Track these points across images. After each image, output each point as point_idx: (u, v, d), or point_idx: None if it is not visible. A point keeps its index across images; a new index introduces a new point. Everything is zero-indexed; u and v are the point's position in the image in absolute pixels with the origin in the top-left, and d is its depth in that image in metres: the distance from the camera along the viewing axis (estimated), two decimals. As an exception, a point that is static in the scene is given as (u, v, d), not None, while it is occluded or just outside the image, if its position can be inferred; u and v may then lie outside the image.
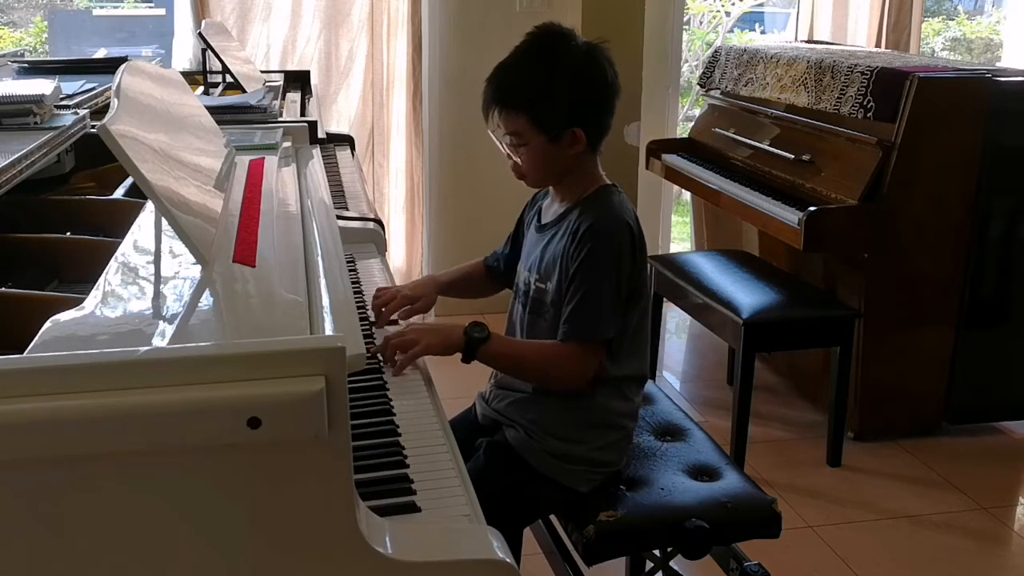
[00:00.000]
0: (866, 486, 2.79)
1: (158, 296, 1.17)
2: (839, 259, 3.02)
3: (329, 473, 0.92)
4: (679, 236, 5.38)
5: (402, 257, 4.05)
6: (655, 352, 3.42)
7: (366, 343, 1.54)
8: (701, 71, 4.05)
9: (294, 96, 3.12)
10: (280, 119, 2.48)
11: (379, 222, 2.23)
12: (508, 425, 1.67)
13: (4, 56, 2.76)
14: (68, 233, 1.60)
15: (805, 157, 3.03)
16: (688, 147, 3.80)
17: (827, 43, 4.17)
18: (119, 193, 1.81)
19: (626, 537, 1.58)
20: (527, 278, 1.70)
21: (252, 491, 0.91)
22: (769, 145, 3.25)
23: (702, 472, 1.73)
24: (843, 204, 2.80)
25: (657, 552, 1.67)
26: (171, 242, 1.29)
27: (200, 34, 2.88)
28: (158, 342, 0.98)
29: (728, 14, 6.43)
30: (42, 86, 1.85)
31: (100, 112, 2.00)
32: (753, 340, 2.70)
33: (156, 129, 1.31)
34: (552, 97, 1.56)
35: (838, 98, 2.98)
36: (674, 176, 3.73)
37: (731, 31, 6.46)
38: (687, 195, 4.46)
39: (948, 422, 3.07)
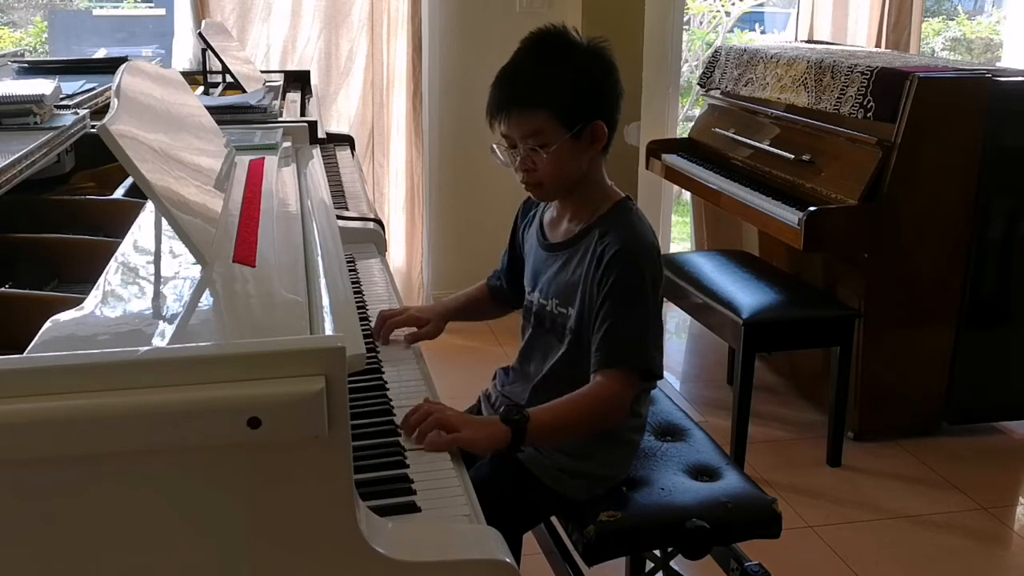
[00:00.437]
0: (866, 486, 2.79)
1: (158, 296, 1.17)
2: (839, 259, 3.01)
3: (329, 473, 0.92)
4: (679, 236, 5.38)
5: (402, 257, 4.05)
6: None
7: (370, 358, 1.53)
8: (701, 71, 4.05)
9: (294, 96, 3.12)
10: (280, 119, 2.48)
11: (379, 222, 2.23)
12: None
13: (4, 56, 2.75)
14: (68, 233, 1.59)
15: (805, 157, 3.03)
16: (688, 147, 3.80)
17: (827, 43, 4.17)
18: (119, 193, 1.81)
19: (626, 537, 1.58)
20: (540, 301, 1.64)
21: (252, 491, 0.91)
22: (769, 145, 3.25)
23: (702, 472, 1.73)
24: (843, 204, 2.80)
25: (657, 552, 1.67)
26: (171, 242, 1.29)
27: (200, 34, 2.88)
28: (158, 342, 0.98)
29: (728, 14, 6.43)
30: (42, 86, 1.85)
31: (100, 112, 2.00)
32: (753, 340, 2.70)
33: (156, 129, 1.31)
34: (572, 87, 1.51)
35: (838, 98, 2.98)
36: (674, 176, 3.73)
37: (731, 31, 6.46)
38: (687, 195, 4.46)
39: (948, 422, 3.07)
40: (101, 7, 5.25)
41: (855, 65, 2.97)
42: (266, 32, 3.83)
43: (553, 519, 1.78)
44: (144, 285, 1.21)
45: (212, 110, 1.85)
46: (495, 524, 1.10)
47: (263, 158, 1.79)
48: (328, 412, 0.89)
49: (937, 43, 6.67)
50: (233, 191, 1.51)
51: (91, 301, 1.10)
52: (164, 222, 1.26)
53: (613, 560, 1.62)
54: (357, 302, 1.79)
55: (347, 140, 3.13)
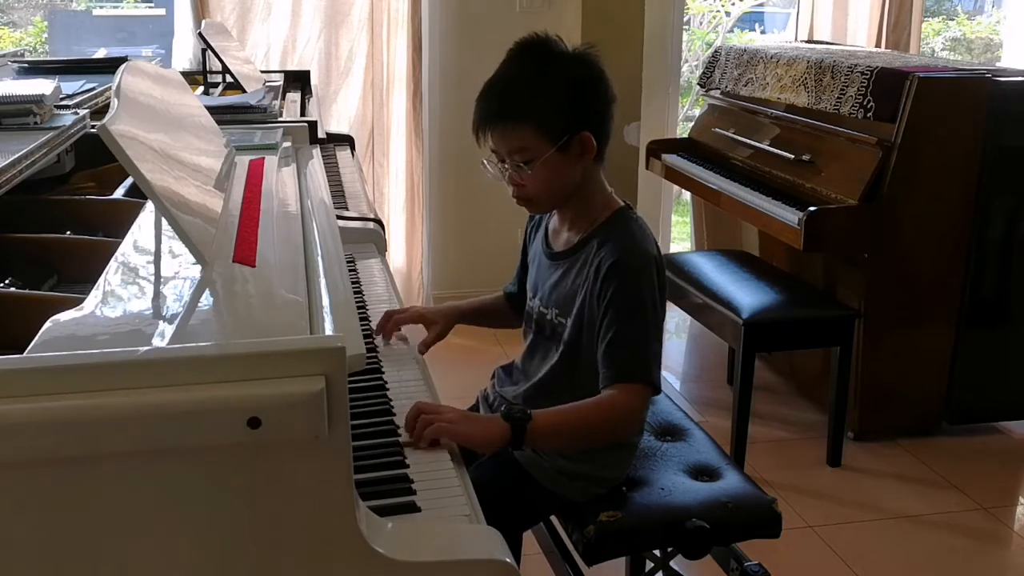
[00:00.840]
0: (866, 486, 2.79)
1: (158, 296, 1.17)
2: (839, 259, 3.02)
3: (329, 473, 0.92)
4: (679, 236, 5.38)
5: (402, 257, 4.05)
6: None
7: (369, 359, 1.53)
8: (701, 71, 4.05)
9: (294, 96, 3.12)
10: (280, 119, 2.48)
11: (379, 222, 2.23)
12: None
13: (4, 56, 2.76)
14: (68, 233, 1.59)
15: (805, 157, 3.03)
16: (688, 147, 3.80)
17: (827, 43, 4.17)
18: (119, 193, 1.81)
19: (626, 537, 1.58)
20: (540, 309, 1.62)
21: (252, 491, 0.91)
22: (769, 145, 3.25)
23: (702, 472, 1.73)
24: (843, 204, 2.80)
25: (657, 552, 1.67)
26: (171, 242, 1.29)
27: (200, 34, 2.88)
28: (158, 342, 0.98)
29: (728, 14, 6.43)
30: (42, 86, 1.85)
31: (100, 112, 2.00)
32: (753, 340, 2.70)
33: (156, 129, 1.31)
34: (555, 100, 1.48)
35: (838, 98, 2.98)
36: (674, 176, 3.73)
37: (731, 31, 6.46)
38: (687, 195, 4.46)
39: (948, 422, 3.07)
40: (101, 7, 5.25)
41: (855, 65, 2.97)
42: (266, 32, 3.83)
43: (553, 519, 1.78)
44: (144, 285, 1.21)
45: (212, 110, 1.85)
46: (495, 524, 1.10)
47: (263, 158, 1.79)
48: (328, 412, 0.89)
49: (937, 43, 6.67)
50: (233, 191, 1.51)
51: (91, 301, 1.10)
52: (164, 222, 1.26)
53: (613, 560, 1.62)
54: (357, 302, 1.78)
55: (347, 140, 3.13)
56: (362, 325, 1.66)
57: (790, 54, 3.37)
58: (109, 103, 1.21)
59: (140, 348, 0.92)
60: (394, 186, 4.02)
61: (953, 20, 6.91)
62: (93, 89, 2.22)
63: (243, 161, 1.74)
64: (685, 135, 4.00)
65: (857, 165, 2.84)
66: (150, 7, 5.12)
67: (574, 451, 1.57)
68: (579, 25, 3.84)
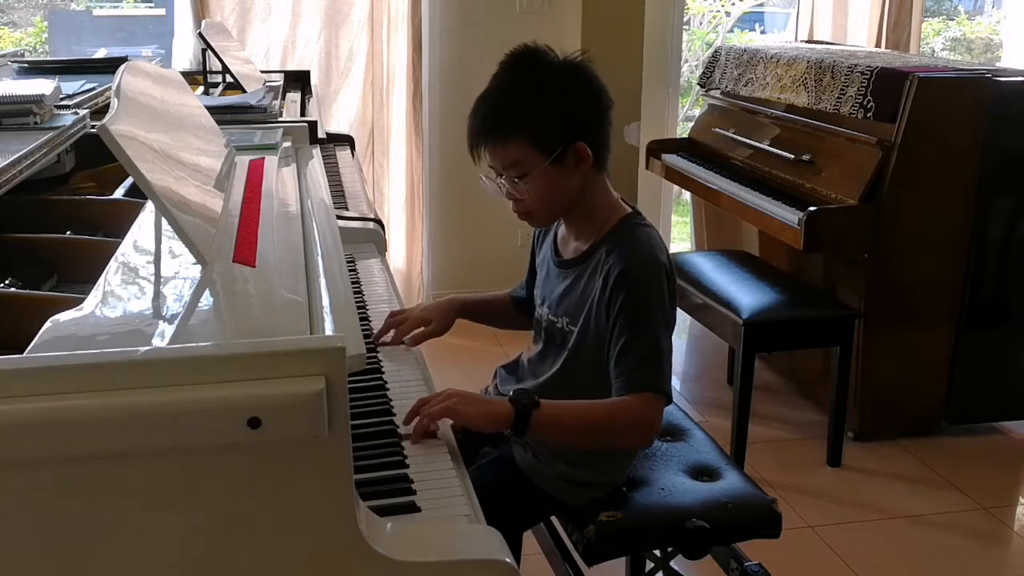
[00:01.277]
0: (866, 486, 2.79)
1: (158, 296, 1.17)
2: (839, 259, 3.02)
3: (329, 473, 0.92)
4: (679, 236, 5.38)
5: (402, 257, 4.05)
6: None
7: (370, 360, 1.53)
8: (701, 71, 4.05)
9: (294, 96, 3.12)
10: (280, 119, 2.48)
11: (379, 222, 2.23)
12: (516, 442, 1.61)
13: (4, 56, 2.76)
14: (68, 233, 1.59)
15: (805, 157, 3.03)
16: (688, 147, 3.80)
17: (827, 43, 4.17)
18: (119, 193, 1.81)
19: (626, 537, 1.58)
20: (549, 317, 1.61)
21: (252, 491, 0.91)
22: (769, 145, 3.25)
23: (702, 472, 1.73)
24: (843, 204, 2.80)
25: (657, 552, 1.67)
26: (171, 242, 1.29)
27: (200, 34, 2.88)
28: (158, 342, 0.98)
29: (728, 14, 6.43)
30: (42, 86, 1.85)
31: (100, 112, 2.00)
32: (753, 340, 2.70)
33: (156, 129, 1.31)
34: (545, 112, 1.46)
35: (838, 98, 2.98)
36: (674, 176, 3.73)
37: (731, 31, 6.46)
38: (687, 195, 4.46)
39: (948, 422, 3.07)
40: (101, 7, 5.25)
41: (855, 65, 2.97)
42: (266, 32, 3.83)
43: (553, 519, 1.78)
44: (144, 285, 1.21)
45: (212, 110, 1.85)
46: (495, 524, 1.10)
47: (263, 158, 1.79)
48: (328, 412, 0.89)
49: (937, 43, 6.67)
50: (233, 191, 1.51)
51: (91, 301, 1.10)
52: (164, 222, 1.26)
53: (613, 560, 1.62)
54: (357, 302, 1.78)
55: (347, 140, 3.13)
56: (362, 325, 1.66)
57: (790, 54, 3.37)
58: (109, 103, 1.21)
59: (140, 348, 0.92)
60: (394, 186, 4.02)
61: (953, 20, 6.90)
62: (93, 89, 2.22)
63: (243, 161, 1.74)
64: (685, 135, 4.00)
65: (857, 165, 2.84)
66: (150, 7, 5.12)
67: (577, 452, 1.56)
68: (579, 25, 3.84)
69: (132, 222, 1.44)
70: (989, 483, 2.81)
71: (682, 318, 3.99)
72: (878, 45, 4.41)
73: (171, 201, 1.13)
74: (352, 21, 3.88)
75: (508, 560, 1.01)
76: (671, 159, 3.73)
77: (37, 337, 1.00)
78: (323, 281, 1.27)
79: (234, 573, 0.93)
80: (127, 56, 2.76)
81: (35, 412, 0.84)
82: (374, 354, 1.60)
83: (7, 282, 1.38)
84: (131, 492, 0.88)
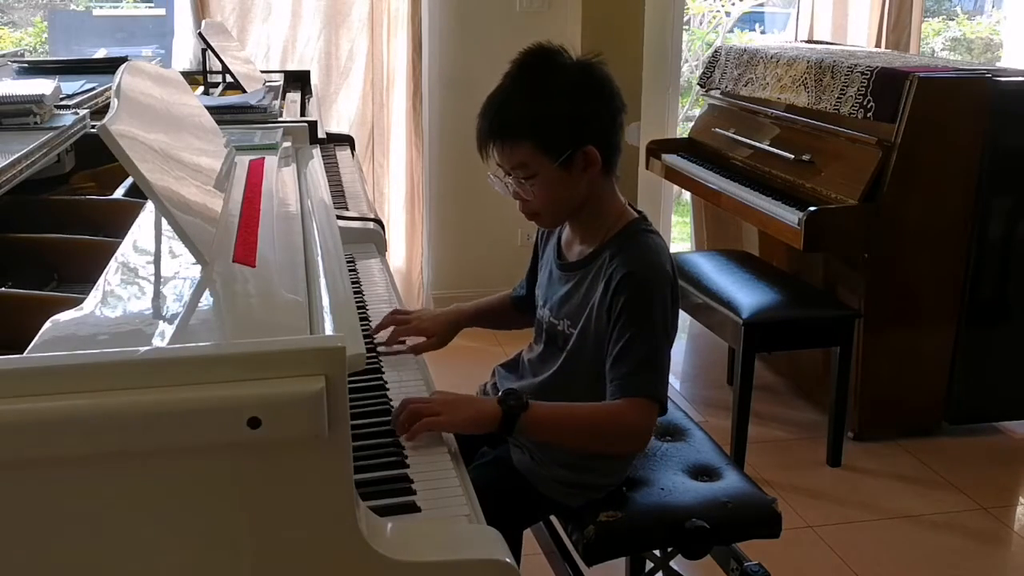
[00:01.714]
0: (866, 486, 2.79)
1: (158, 296, 1.17)
2: (839, 259, 3.02)
3: (329, 473, 0.92)
4: (679, 236, 5.38)
5: (402, 257, 4.05)
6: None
7: (369, 358, 1.53)
8: (701, 71, 4.05)
9: (294, 96, 3.12)
10: (280, 119, 2.48)
11: (379, 222, 2.23)
12: (514, 445, 1.61)
13: (4, 56, 2.75)
14: (68, 233, 1.59)
15: (805, 157, 3.03)
16: (688, 147, 3.80)
17: (827, 43, 4.17)
18: (119, 193, 1.81)
19: (626, 537, 1.58)
20: (550, 319, 1.61)
21: (252, 491, 0.91)
22: (769, 145, 3.25)
23: (702, 472, 1.73)
24: (843, 204, 2.80)
25: (657, 552, 1.67)
26: (171, 242, 1.29)
27: (200, 34, 2.88)
28: (158, 342, 0.98)
29: (728, 14, 6.43)
30: (42, 86, 1.85)
31: (100, 112, 2.00)
32: (753, 340, 2.70)
33: (156, 129, 1.31)
34: (554, 115, 1.45)
35: (838, 98, 2.98)
36: (674, 176, 3.73)
37: (731, 31, 6.46)
38: (687, 195, 4.46)
39: (948, 422, 3.07)
40: (101, 7, 5.25)
41: (855, 65, 2.97)
42: (266, 32, 3.83)
43: (553, 519, 1.78)
44: (144, 285, 1.21)
45: (212, 110, 1.85)
46: (495, 523, 1.10)
47: (263, 158, 1.79)
48: (328, 412, 0.89)
49: (937, 43, 6.67)
50: (233, 191, 1.51)
51: (91, 301, 1.10)
52: (164, 222, 1.26)
53: (613, 560, 1.62)
54: (357, 302, 1.78)
55: (347, 140, 3.13)
56: (362, 325, 1.66)
57: (790, 54, 3.37)
58: (109, 103, 1.21)
59: (140, 348, 0.92)
60: (394, 186, 4.02)
61: (953, 20, 6.90)
62: (93, 89, 2.22)
63: (243, 161, 1.74)
64: (685, 135, 4.00)
65: (857, 165, 2.84)
66: (150, 7, 5.11)
67: (570, 454, 1.55)
68: (579, 25, 3.84)
69: (132, 222, 1.44)
70: (989, 483, 2.81)
71: (682, 318, 3.96)
72: (878, 45, 4.41)
73: (171, 201, 1.13)
74: (352, 21, 3.88)
75: (508, 560, 1.01)
76: (671, 159, 3.73)
77: (37, 337, 1.00)
78: (323, 281, 1.27)
79: (234, 573, 0.93)
80: (127, 56, 2.76)
81: (35, 412, 0.84)
82: (374, 354, 1.61)
83: (8, 285, 1.38)
84: (131, 492, 0.88)
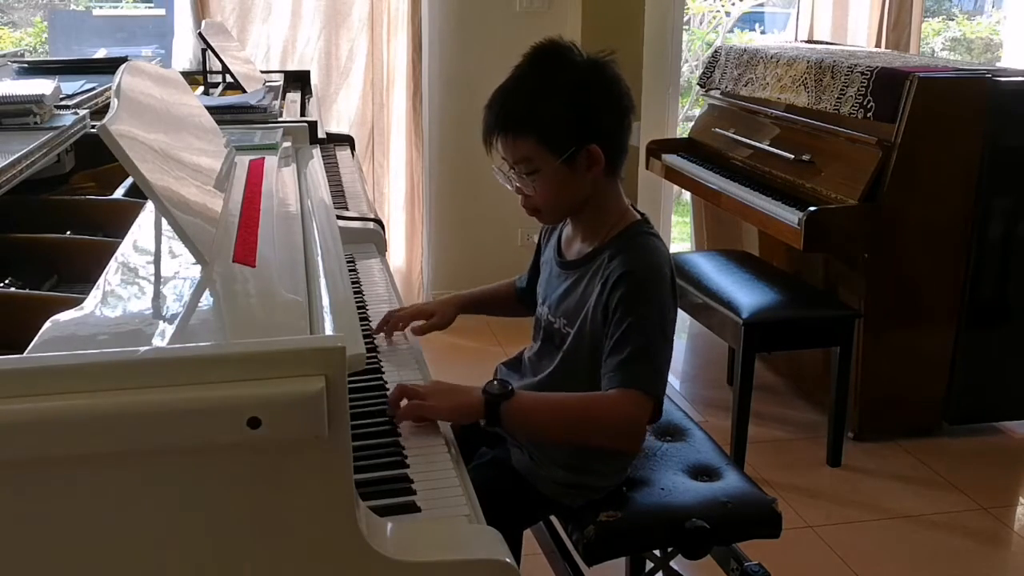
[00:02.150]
0: (866, 486, 2.79)
1: (158, 296, 1.17)
2: (839, 259, 3.02)
3: (329, 473, 0.92)
4: (679, 236, 5.38)
5: (402, 257, 4.05)
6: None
7: (369, 357, 1.53)
8: (701, 71, 4.05)
9: (294, 96, 3.12)
10: (280, 119, 2.48)
11: (379, 222, 2.23)
12: (513, 445, 1.61)
13: (4, 56, 2.76)
14: (68, 233, 1.59)
15: (805, 157, 3.03)
16: (688, 147, 3.80)
17: (827, 43, 4.17)
18: (119, 193, 1.81)
19: (626, 537, 1.58)
20: (548, 317, 1.60)
21: (252, 491, 0.91)
22: (769, 145, 3.25)
23: (702, 472, 1.73)
24: (843, 204, 2.80)
25: (657, 552, 1.67)
26: (171, 242, 1.29)
27: (200, 34, 2.88)
28: (158, 342, 0.98)
29: (728, 14, 6.43)
30: (42, 86, 1.85)
31: (100, 112, 2.00)
32: (753, 340, 2.70)
33: (156, 129, 1.31)
34: (559, 112, 1.44)
35: (838, 98, 2.98)
36: (674, 176, 3.73)
37: (731, 31, 6.46)
38: (687, 195, 4.46)
39: (948, 422, 3.07)
40: (101, 7, 5.25)
41: (855, 65, 2.97)
42: (266, 32, 3.83)
43: (553, 519, 1.78)
44: (144, 285, 1.21)
45: (212, 110, 1.85)
46: (495, 523, 1.10)
47: (263, 158, 1.79)
48: (328, 412, 0.89)
49: (937, 43, 6.67)
50: (233, 191, 1.51)
51: (91, 301, 1.10)
52: (164, 222, 1.26)
53: (613, 560, 1.62)
54: (357, 302, 1.79)
55: (347, 140, 3.13)
56: (362, 325, 1.66)
57: (790, 54, 3.37)
58: (109, 103, 1.21)
59: (140, 348, 0.92)
60: (394, 186, 4.02)
61: (953, 20, 6.91)
62: (93, 89, 2.22)
63: (243, 161, 1.74)
64: (685, 135, 4.01)
65: (857, 165, 2.84)
66: (150, 7, 5.11)
67: (572, 459, 1.55)
68: (579, 25, 3.84)
69: (132, 222, 1.44)
70: (989, 483, 2.81)
71: (682, 318, 3.97)
72: (878, 45, 4.41)
73: (171, 201, 1.13)
74: (352, 21, 3.88)
75: (508, 560, 1.01)
76: (671, 159, 3.73)
77: (37, 337, 1.00)
78: (323, 281, 1.27)
79: (234, 573, 0.93)
80: (127, 56, 2.76)
81: (35, 412, 0.84)
82: (374, 354, 1.61)
83: (7, 282, 1.38)
84: (131, 492, 0.88)
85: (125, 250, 1.31)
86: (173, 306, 1.09)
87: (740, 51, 3.72)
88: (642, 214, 1.57)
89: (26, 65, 2.64)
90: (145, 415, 0.86)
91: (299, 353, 0.90)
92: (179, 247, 1.20)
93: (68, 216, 1.67)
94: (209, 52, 2.93)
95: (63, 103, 1.96)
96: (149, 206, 1.49)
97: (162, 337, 0.99)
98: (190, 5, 3.65)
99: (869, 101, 2.85)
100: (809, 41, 4.37)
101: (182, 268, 1.19)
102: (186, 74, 2.46)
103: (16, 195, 1.55)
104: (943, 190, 2.85)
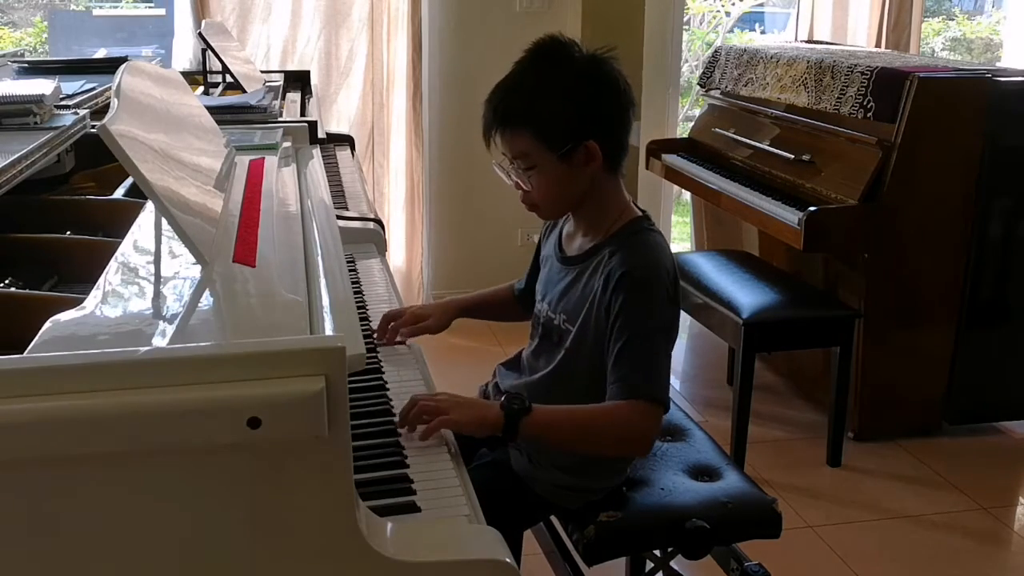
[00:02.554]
0: (866, 486, 2.79)
1: (158, 296, 1.17)
2: (839, 259, 3.02)
3: (329, 473, 0.92)
4: (679, 236, 5.38)
5: (402, 257, 4.05)
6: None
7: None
8: (701, 71, 4.05)
9: (294, 96, 3.12)
10: (280, 119, 2.48)
11: (379, 222, 2.23)
12: (513, 447, 1.60)
13: (4, 56, 2.75)
14: (68, 233, 1.59)
15: (805, 157, 3.03)
16: (688, 147, 3.80)
17: (827, 43, 4.17)
18: (119, 193, 1.81)
19: (626, 537, 1.58)
20: (548, 313, 1.60)
21: (252, 491, 0.91)
22: (769, 145, 3.25)
23: (702, 472, 1.73)
24: (843, 204, 2.80)
25: (657, 552, 1.67)
26: (171, 242, 1.29)
27: (200, 34, 2.88)
28: (158, 342, 0.98)
29: (728, 14, 6.43)
30: (42, 86, 1.85)
31: (100, 112, 2.00)
32: (753, 340, 2.70)
33: (156, 129, 1.31)
34: (556, 107, 1.44)
35: (838, 98, 2.98)
36: (674, 176, 3.73)
37: (731, 31, 6.46)
38: (687, 195, 4.46)
39: (948, 422, 3.07)
40: (101, 7, 5.25)
41: (855, 65, 2.97)
42: (266, 32, 3.83)
43: (553, 519, 1.78)
44: (144, 285, 1.21)
45: (212, 110, 1.85)
46: (495, 524, 1.10)
47: (263, 158, 1.79)
48: (328, 412, 0.89)
49: (937, 43, 6.67)
50: (233, 191, 1.51)
51: (91, 301, 1.10)
52: (164, 222, 1.26)
53: (613, 560, 1.62)
54: (357, 302, 1.79)
55: (347, 140, 3.13)
56: (362, 325, 1.66)
57: (790, 54, 3.37)
58: (109, 103, 1.21)
59: (140, 348, 0.92)
60: (394, 186, 4.02)
61: (953, 20, 6.91)
62: (93, 89, 2.22)
63: (243, 161, 1.74)
64: (685, 135, 4.00)
65: (857, 165, 2.84)
66: (150, 7, 5.11)
67: (571, 456, 1.55)
68: (579, 25, 3.84)
69: (132, 222, 1.44)
70: (989, 483, 2.81)
71: (682, 318, 3.96)
72: (878, 45, 4.41)
73: (171, 201, 1.13)
74: (352, 21, 3.88)
75: (508, 560, 1.01)
76: (671, 159, 3.73)
77: (37, 337, 1.00)
78: (323, 281, 1.27)
79: (234, 573, 0.93)
80: (127, 56, 2.76)
81: (35, 412, 0.84)
82: (374, 354, 1.61)
83: (7, 282, 1.38)
84: (131, 492, 0.88)
85: (125, 250, 1.31)
86: (173, 306, 1.09)
87: (740, 51, 3.72)
88: (643, 211, 1.57)
89: (26, 65, 2.63)
90: (145, 415, 0.86)
91: (299, 353, 0.90)
92: (179, 247, 1.20)
93: (68, 216, 1.67)
94: (209, 52, 2.93)
95: (63, 103, 1.96)
96: (149, 206, 1.49)
97: (162, 337, 0.99)
98: (190, 5, 3.65)
99: (869, 101, 2.85)
100: (809, 41, 4.37)
101: (182, 268, 1.19)
102: (186, 74, 2.46)
103: (16, 195, 1.55)
104: (943, 190, 2.85)
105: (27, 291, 1.34)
